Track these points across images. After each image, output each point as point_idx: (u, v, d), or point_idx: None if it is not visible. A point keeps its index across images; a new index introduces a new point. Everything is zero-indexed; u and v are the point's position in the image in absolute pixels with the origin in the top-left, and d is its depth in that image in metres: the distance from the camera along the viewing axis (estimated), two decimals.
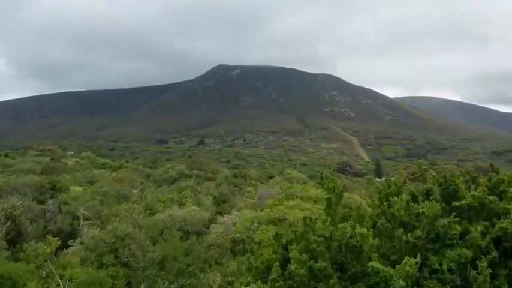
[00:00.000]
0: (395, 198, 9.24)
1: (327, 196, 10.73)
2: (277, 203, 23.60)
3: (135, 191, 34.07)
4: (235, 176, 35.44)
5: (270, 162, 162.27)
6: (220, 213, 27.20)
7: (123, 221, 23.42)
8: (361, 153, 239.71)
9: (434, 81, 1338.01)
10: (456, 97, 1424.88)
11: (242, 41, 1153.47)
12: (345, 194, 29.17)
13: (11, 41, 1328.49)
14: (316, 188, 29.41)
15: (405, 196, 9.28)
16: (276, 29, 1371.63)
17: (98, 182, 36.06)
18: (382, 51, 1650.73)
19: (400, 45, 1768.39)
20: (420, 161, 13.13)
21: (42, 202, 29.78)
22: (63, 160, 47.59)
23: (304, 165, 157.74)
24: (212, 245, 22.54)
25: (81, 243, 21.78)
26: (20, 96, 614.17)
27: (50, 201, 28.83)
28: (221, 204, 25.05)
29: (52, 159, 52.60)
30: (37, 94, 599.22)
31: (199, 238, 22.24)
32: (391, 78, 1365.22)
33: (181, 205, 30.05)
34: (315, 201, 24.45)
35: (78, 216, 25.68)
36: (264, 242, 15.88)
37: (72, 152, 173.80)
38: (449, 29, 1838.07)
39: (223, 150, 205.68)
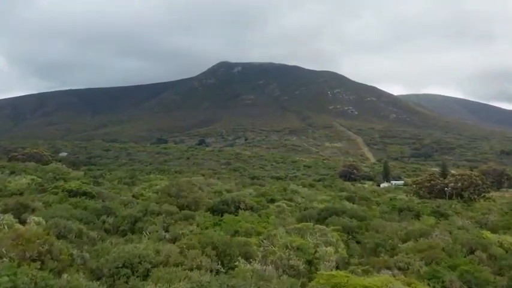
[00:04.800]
0: None
1: None
2: None
3: None
4: (223, 206, 26.84)
5: (272, 164, 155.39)
6: None
7: None
8: (366, 153, 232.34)
9: (437, 78, 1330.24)
10: (459, 94, 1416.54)
11: (244, 38, 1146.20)
12: (378, 279, 18.74)
13: (11, 38, 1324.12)
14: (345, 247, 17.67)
15: None
16: (278, 26, 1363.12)
17: None
18: (385, 48, 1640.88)
19: (404, 42, 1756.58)
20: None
21: None
22: (18, 177, 39.51)
23: (309, 167, 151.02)
24: None
25: None
26: (20, 94, 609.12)
27: None
28: None
29: (13, 172, 45.04)
30: (37, 92, 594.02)
31: None
32: (395, 75, 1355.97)
33: None
34: None
35: None
36: None
37: (66, 153, 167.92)
38: (453, 26, 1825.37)
39: (223, 151, 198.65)
